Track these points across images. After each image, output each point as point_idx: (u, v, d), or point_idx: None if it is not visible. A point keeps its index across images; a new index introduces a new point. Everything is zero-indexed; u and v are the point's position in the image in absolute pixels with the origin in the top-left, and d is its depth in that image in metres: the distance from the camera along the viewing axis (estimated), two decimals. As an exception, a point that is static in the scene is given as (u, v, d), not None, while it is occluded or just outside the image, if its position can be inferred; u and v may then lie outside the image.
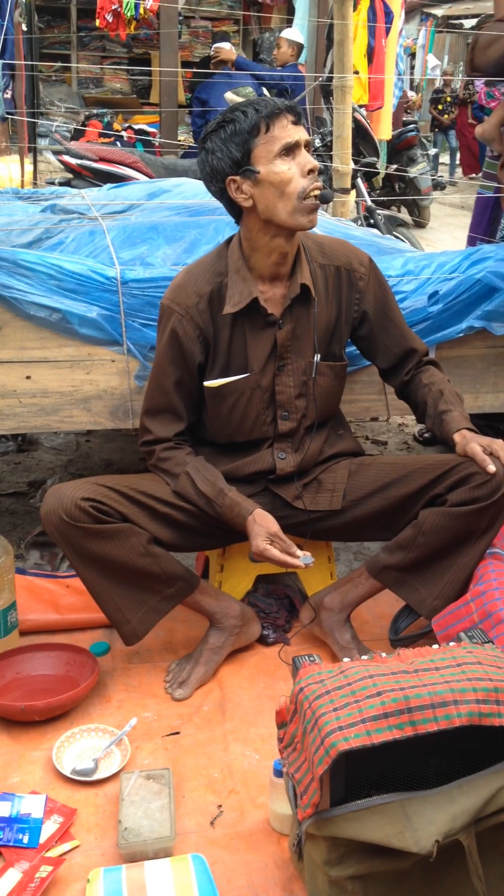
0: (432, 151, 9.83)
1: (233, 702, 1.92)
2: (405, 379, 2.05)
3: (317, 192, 1.78)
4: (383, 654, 1.40)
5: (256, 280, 1.88)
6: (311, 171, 1.77)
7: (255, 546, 1.80)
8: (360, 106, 5.96)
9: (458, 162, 12.82)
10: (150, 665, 2.05)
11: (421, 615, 1.95)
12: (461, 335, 2.32)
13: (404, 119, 8.52)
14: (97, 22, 6.81)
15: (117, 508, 1.83)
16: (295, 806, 1.32)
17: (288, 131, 1.76)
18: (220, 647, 2.02)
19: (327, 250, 1.97)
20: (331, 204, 3.60)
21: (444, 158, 13.16)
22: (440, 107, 12.89)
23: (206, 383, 1.92)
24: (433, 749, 1.28)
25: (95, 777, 1.68)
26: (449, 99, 12.64)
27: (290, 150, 1.76)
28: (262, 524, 1.82)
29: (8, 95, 6.18)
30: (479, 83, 9.18)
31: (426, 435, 3.38)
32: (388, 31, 6.10)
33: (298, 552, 1.79)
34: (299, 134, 1.77)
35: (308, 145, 1.80)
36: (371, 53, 6.14)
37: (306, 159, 1.78)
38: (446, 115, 12.76)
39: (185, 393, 1.94)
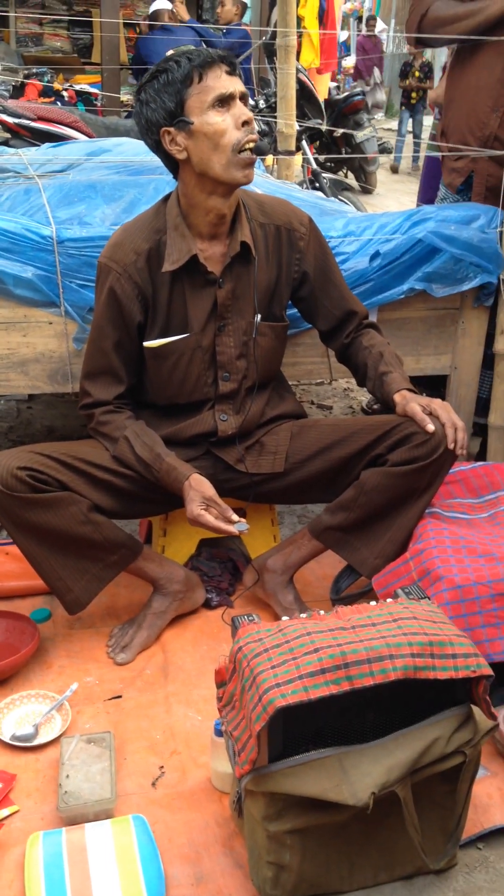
0: (398, 138, 9.59)
1: (175, 664, 1.92)
2: (345, 342, 2.04)
3: (251, 145, 1.74)
4: (321, 612, 1.41)
5: (196, 237, 1.85)
6: (245, 123, 1.73)
7: (189, 512, 1.78)
8: (310, 69, 5.92)
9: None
10: (93, 630, 2.03)
11: (362, 575, 1.97)
12: (402, 297, 2.31)
13: (353, 85, 8.47)
14: None
15: (56, 476, 1.80)
16: (234, 763, 1.33)
17: (222, 81, 1.72)
18: (163, 612, 2.01)
19: (267, 209, 1.94)
20: (275, 166, 3.57)
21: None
22: (409, 81, 9.91)
23: (146, 343, 1.89)
24: (370, 704, 1.29)
25: (35, 742, 1.67)
26: (418, 73, 9.78)
27: (224, 101, 1.72)
28: (198, 489, 1.80)
29: None
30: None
31: (375, 407, 3.39)
32: None
33: (235, 517, 1.78)
34: (234, 85, 1.73)
35: (244, 97, 1.76)
36: (323, 15, 6.07)
37: (241, 111, 1.74)
38: (414, 94, 9.89)
39: (124, 354, 1.91)
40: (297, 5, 5.77)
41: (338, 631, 1.31)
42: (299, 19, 5.87)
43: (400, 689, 1.27)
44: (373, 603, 1.41)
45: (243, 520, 1.79)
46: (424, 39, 2.55)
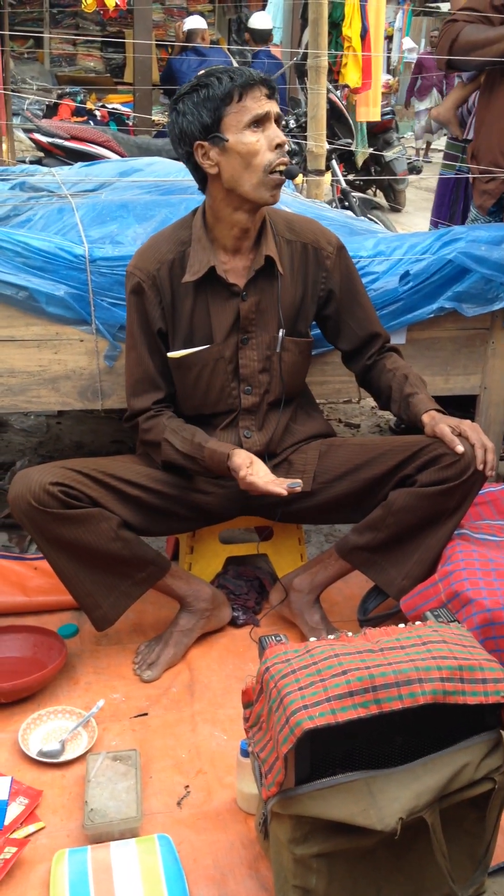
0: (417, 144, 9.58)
1: (201, 683, 1.92)
2: (367, 363, 2.04)
3: (282, 167, 1.76)
4: (349, 634, 1.40)
5: (218, 250, 1.88)
6: (278, 146, 1.76)
7: (240, 481, 1.76)
8: (350, 88, 5.93)
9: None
10: (119, 647, 2.03)
11: (389, 596, 1.96)
12: (432, 316, 2.31)
13: (382, 104, 8.47)
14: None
15: (87, 493, 1.81)
16: (260, 785, 1.32)
17: (260, 103, 1.75)
18: (189, 630, 2.01)
19: (296, 227, 1.96)
20: (305, 185, 3.58)
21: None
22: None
23: (170, 354, 1.91)
24: (398, 727, 1.28)
25: (62, 759, 1.67)
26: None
27: (260, 121, 1.75)
28: (241, 459, 1.78)
29: None
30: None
31: (403, 427, 3.39)
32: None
33: (284, 481, 1.74)
34: (271, 107, 1.76)
35: (279, 120, 1.78)
36: (365, 35, 6.10)
37: (275, 133, 1.76)
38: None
39: (160, 359, 1.92)
40: (342, 25, 5.82)
41: (366, 653, 1.30)
42: (346, 39, 5.90)
43: (429, 713, 1.26)
44: (401, 625, 1.40)
45: (296, 479, 1.76)
46: (455, 62, 2.56)
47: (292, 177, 1.84)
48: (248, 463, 1.77)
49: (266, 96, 1.76)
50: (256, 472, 1.75)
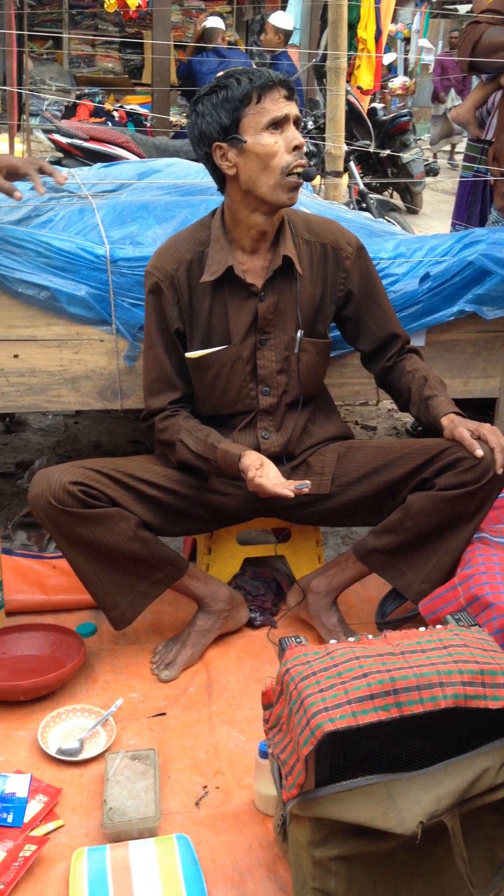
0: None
1: (219, 684, 1.92)
2: (387, 365, 2.04)
3: (300, 170, 1.77)
4: (370, 637, 1.40)
5: (236, 250, 1.88)
6: (296, 148, 1.76)
7: (248, 483, 1.76)
8: (362, 90, 5.95)
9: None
10: (137, 646, 2.04)
11: (408, 599, 1.95)
12: (452, 319, 2.31)
13: (399, 105, 8.46)
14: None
15: (106, 492, 1.82)
16: (280, 787, 1.32)
17: (279, 105, 1.75)
18: (207, 631, 2.01)
19: (315, 228, 1.96)
20: (322, 187, 3.58)
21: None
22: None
23: (188, 354, 1.92)
24: (419, 731, 1.28)
25: (81, 757, 1.68)
26: None
27: (278, 123, 1.75)
28: (251, 461, 1.78)
29: None
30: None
31: (420, 429, 3.38)
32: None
33: (292, 483, 1.75)
34: (290, 109, 1.77)
35: (298, 122, 1.79)
36: (379, 37, 6.12)
37: (293, 135, 1.77)
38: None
39: (177, 359, 1.93)
40: (357, 27, 5.82)
41: (387, 656, 1.30)
42: (360, 41, 5.90)
43: (449, 717, 1.26)
44: (422, 629, 1.40)
45: (305, 480, 1.76)
46: (477, 64, 2.55)
47: (309, 179, 1.84)
48: (258, 465, 1.77)
49: (285, 98, 1.77)
50: (266, 475, 1.75)
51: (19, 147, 6.42)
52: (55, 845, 1.50)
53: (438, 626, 1.42)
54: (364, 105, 6.44)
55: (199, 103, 1.81)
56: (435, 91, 11.49)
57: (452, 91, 10.68)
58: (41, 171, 2.16)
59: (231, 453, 1.81)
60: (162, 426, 1.92)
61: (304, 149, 1.81)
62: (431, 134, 11.41)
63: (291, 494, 1.73)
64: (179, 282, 1.89)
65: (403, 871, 1.31)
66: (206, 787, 1.64)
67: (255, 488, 1.75)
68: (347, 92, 4.55)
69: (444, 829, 1.24)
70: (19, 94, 6.18)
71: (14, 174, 2.12)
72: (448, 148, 11.27)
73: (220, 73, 1.84)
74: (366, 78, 5.96)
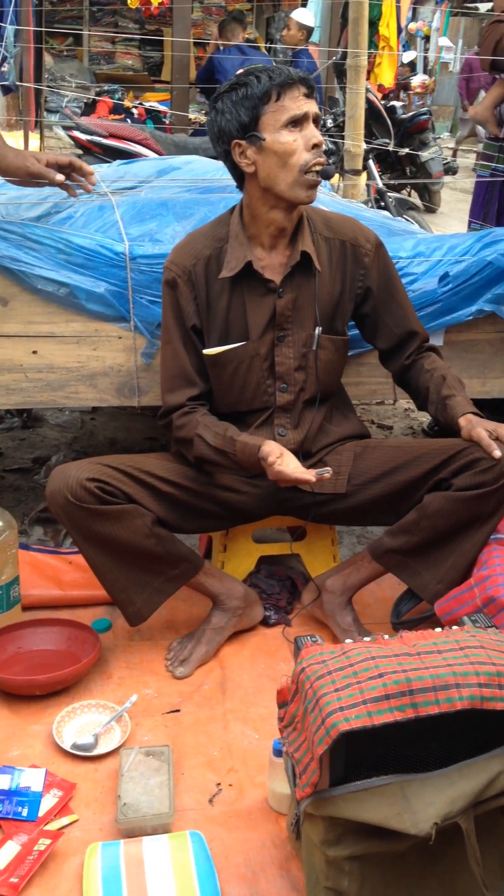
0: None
1: (233, 681, 1.92)
2: (406, 363, 2.03)
3: (318, 168, 1.76)
4: (385, 637, 1.40)
5: (255, 247, 1.88)
6: (315, 146, 1.76)
7: (269, 473, 1.77)
8: (382, 87, 5.92)
9: None
10: (152, 643, 2.05)
11: (423, 599, 1.95)
12: (470, 319, 2.29)
13: (419, 104, 8.41)
14: None
15: (122, 489, 1.82)
16: (294, 785, 1.32)
17: (298, 103, 1.75)
18: (222, 628, 2.02)
19: (334, 225, 1.96)
20: (341, 186, 3.58)
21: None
22: None
23: (205, 351, 1.92)
24: (434, 732, 1.27)
25: (95, 752, 1.69)
26: None
27: (297, 121, 1.75)
28: (271, 451, 1.78)
29: (5, 69, 6.07)
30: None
31: (436, 429, 3.36)
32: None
33: (313, 470, 1.75)
34: (309, 107, 1.76)
35: (317, 120, 1.78)
36: (400, 35, 6.10)
37: (312, 133, 1.77)
38: None
39: (195, 355, 1.93)
40: (379, 24, 5.80)
41: (403, 657, 1.30)
42: (380, 39, 5.88)
43: (465, 718, 1.25)
44: (438, 630, 1.39)
45: (327, 467, 1.76)
46: (500, 63, 2.54)
47: (328, 177, 1.83)
48: (279, 454, 1.77)
49: (304, 95, 1.77)
50: (286, 464, 1.75)
51: (35, 144, 6.44)
52: (69, 840, 1.51)
53: (455, 627, 1.41)
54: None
55: (218, 100, 1.81)
56: (460, 95, 11.44)
57: (482, 92, 10.62)
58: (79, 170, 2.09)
59: (251, 444, 1.81)
60: (179, 423, 1.92)
61: (323, 147, 1.81)
62: (459, 135, 11.38)
63: (314, 479, 1.73)
64: (197, 277, 1.89)
65: (416, 872, 1.30)
66: (219, 784, 1.64)
67: (276, 476, 1.75)
68: (367, 90, 4.54)
69: (457, 831, 1.24)
70: (37, 91, 6.20)
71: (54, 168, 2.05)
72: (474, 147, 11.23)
73: (240, 71, 1.84)
74: (387, 75, 5.94)
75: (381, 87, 6.45)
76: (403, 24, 6.11)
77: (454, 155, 10.30)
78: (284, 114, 1.75)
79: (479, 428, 1.84)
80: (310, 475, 1.73)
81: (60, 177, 2.02)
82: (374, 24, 5.77)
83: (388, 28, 5.75)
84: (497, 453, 1.79)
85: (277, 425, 1.97)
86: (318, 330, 1.92)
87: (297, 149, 1.76)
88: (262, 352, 1.91)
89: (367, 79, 5.90)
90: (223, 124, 1.80)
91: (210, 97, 1.90)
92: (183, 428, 1.91)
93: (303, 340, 1.93)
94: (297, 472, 1.74)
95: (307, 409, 1.98)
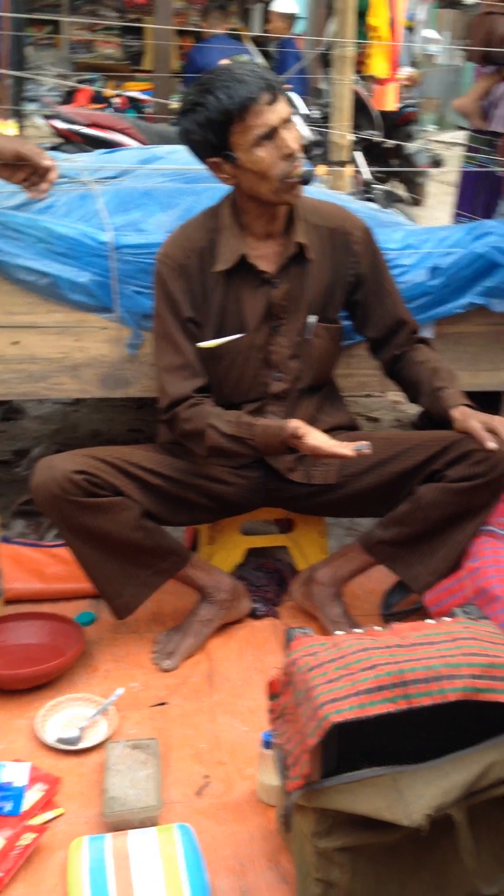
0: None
1: (221, 674, 1.91)
2: (396, 353, 2.02)
3: (298, 172, 1.75)
4: (377, 628, 1.39)
5: (248, 237, 1.86)
6: (289, 156, 1.73)
7: (306, 447, 1.75)
8: (372, 79, 5.88)
9: None
10: (138, 636, 2.03)
11: (414, 591, 1.94)
12: (461, 311, 2.28)
13: (404, 95, 8.39)
14: None
15: (110, 481, 1.80)
16: (284, 777, 1.31)
17: (263, 117, 1.70)
18: (209, 621, 2.00)
19: (322, 213, 1.94)
20: (325, 179, 3.55)
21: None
22: None
23: (200, 344, 1.88)
24: (427, 723, 1.26)
25: (80, 746, 1.67)
26: None
27: (268, 135, 1.72)
28: (299, 425, 1.76)
29: None
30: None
31: (425, 421, 3.35)
32: None
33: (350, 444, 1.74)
34: (277, 114, 1.71)
35: (289, 121, 1.75)
36: (392, 26, 6.05)
37: (284, 142, 1.73)
38: None
39: (194, 346, 1.89)
40: (367, 15, 5.73)
41: (395, 648, 1.29)
42: (370, 29, 5.81)
43: (458, 710, 1.25)
44: (430, 621, 1.38)
45: (364, 442, 1.75)
46: (493, 55, 2.53)
47: (307, 182, 1.80)
48: (308, 429, 1.76)
49: (268, 103, 1.71)
50: (317, 437, 1.74)
51: (10, 133, 6.34)
52: (54, 833, 1.49)
53: (448, 619, 1.41)
54: (387, 98, 6.35)
55: (183, 119, 1.78)
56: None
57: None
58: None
59: (272, 426, 1.78)
60: (187, 415, 1.85)
61: (301, 145, 1.78)
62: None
63: (352, 454, 1.71)
64: (191, 270, 1.86)
65: (408, 864, 1.30)
66: (207, 776, 1.63)
67: (311, 450, 1.74)
68: (353, 81, 4.51)
69: (449, 822, 1.23)
70: (14, 80, 6.10)
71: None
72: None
73: (196, 83, 1.78)
74: (380, 66, 5.85)
75: (379, 80, 6.33)
76: (403, 16, 6.04)
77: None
78: (251, 133, 1.71)
79: (472, 420, 1.83)
80: (348, 449, 1.71)
81: (49, 161, 1.99)
82: (362, 15, 5.69)
83: (377, 18, 5.67)
84: (491, 445, 1.79)
85: (269, 413, 1.94)
86: (312, 318, 1.90)
87: (273, 162, 1.73)
88: (258, 343, 1.89)
89: (359, 70, 5.87)
90: (194, 145, 1.79)
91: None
92: (191, 420, 1.84)
93: (297, 329, 1.91)
94: (335, 446, 1.71)
95: (300, 398, 1.96)
